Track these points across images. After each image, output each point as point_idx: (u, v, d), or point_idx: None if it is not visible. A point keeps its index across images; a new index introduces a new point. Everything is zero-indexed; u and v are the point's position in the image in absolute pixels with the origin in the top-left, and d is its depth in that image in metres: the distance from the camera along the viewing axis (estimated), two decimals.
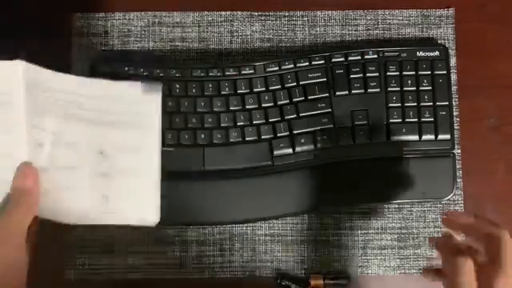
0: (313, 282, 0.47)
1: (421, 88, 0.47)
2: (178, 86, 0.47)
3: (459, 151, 0.49)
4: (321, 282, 0.47)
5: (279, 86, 0.47)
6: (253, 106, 0.47)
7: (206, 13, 0.51)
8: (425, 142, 0.47)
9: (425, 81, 0.47)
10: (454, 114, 0.49)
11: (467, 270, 0.32)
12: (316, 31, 0.51)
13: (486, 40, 0.51)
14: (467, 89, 0.50)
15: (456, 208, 0.49)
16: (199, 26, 0.51)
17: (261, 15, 0.51)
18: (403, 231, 0.48)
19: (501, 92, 0.50)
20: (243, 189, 0.46)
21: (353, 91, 0.47)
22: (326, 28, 0.51)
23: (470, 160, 0.49)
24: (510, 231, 0.48)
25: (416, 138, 0.47)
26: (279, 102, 0.47)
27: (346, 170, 0.47)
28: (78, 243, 0.48)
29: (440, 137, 0.47)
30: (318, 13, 0.51)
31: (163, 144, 0.43)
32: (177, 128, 0.46)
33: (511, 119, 0.50)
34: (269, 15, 0.51)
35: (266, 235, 0.48)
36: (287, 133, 0.46)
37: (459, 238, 0.37)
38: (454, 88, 0.50)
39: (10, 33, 0.50)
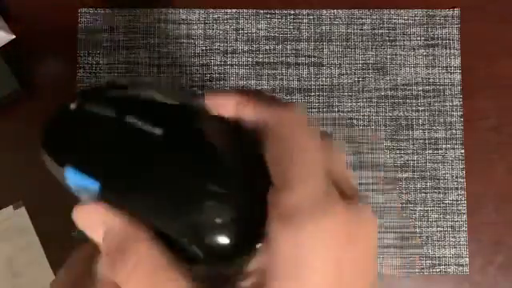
0: None
1: None
2: None
3: (462, 151, 0.49)
4: None
5: None
6: None
7: (211, 10, 0.51)
8: None
9: None
10: (458, 113, 0.50)
11: None
12: (321, 30, 0.51)
13: (488, 40, 0.51)
14: (470, 89, 0.50)
15: (459, 208, 0.49)
16: (205, 24, 0.51)
17: (266, 13, 0.51)
18: (406, 230, 0.49)
19: (502, 92, 0.51)
20: None
21: None
22: (332, 27, 0.51)
23: (472, 159, 0.49)
24: (511, 231, 0.49)
25: None
26: None
27: None
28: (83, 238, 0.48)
29: None
30: (324, 11, 0.51)
31: None
32: None
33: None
34: (274, 13, 0.51)
35: None
36: None
37: None
38: (458, 88, 0.50)
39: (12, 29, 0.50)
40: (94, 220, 0.18)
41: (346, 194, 0.17)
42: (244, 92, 0.20)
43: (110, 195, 0.18)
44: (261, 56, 0.50)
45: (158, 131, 0.18)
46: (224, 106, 0.20)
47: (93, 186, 0.18)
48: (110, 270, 0.18)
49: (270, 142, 0.17)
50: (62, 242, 0.48)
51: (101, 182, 0.18)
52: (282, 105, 0.18)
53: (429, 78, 0.50)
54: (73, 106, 0.20)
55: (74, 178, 0.18)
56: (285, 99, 0.50)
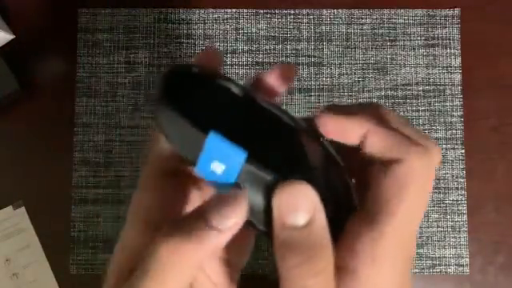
0: None
1: None
2: None
3: (462, 151, 0.49)
4: None
5: None
6: None
7: (211, 10, 0.51)
8: None
9: None
10: (459, 113, 0.50)
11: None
12: (321, 29, 0.51)
13: (488, 40, 0.51)
14: (470, 89, 0.50)
15: (459, 208, 0.49)
16: (205, 23, 0.51)
17: (266, 13, 0.51)
18: None
19: (502, 92, 0.51)
20: None
21: None
22: (332, 27, 0.51)
23: (472, 159, 0.49)
24: (511, 231, 0.49)
25: None
26: None
27: None
28: (81, 238, 0.48)
29: None
30: (324, 11, 0.51)
31: None
32: None
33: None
34: (274, 13, 0.51)
35: None
36: None
37: None
38: (458, 88, 0.50)
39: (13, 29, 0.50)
40: (303, 202, 0.17)
41: None
42: (375, 115, 0.18)
43: (256, 165, 0.18)
44: (261, 56, 0.50)
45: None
46: (349, 133, 0.19)
47: (237, 154, 0.18)
48: (292, 260, 0.17)
49: (390, 178, 0.18)
50: (61, 241, 0.48)
51: (249, 151, 0.17)
52: (422, 145, 0.18)
53: (429, 78, 0.50)
54: (195, 69, 0.20)
55: (217, 145, 0.18)
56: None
